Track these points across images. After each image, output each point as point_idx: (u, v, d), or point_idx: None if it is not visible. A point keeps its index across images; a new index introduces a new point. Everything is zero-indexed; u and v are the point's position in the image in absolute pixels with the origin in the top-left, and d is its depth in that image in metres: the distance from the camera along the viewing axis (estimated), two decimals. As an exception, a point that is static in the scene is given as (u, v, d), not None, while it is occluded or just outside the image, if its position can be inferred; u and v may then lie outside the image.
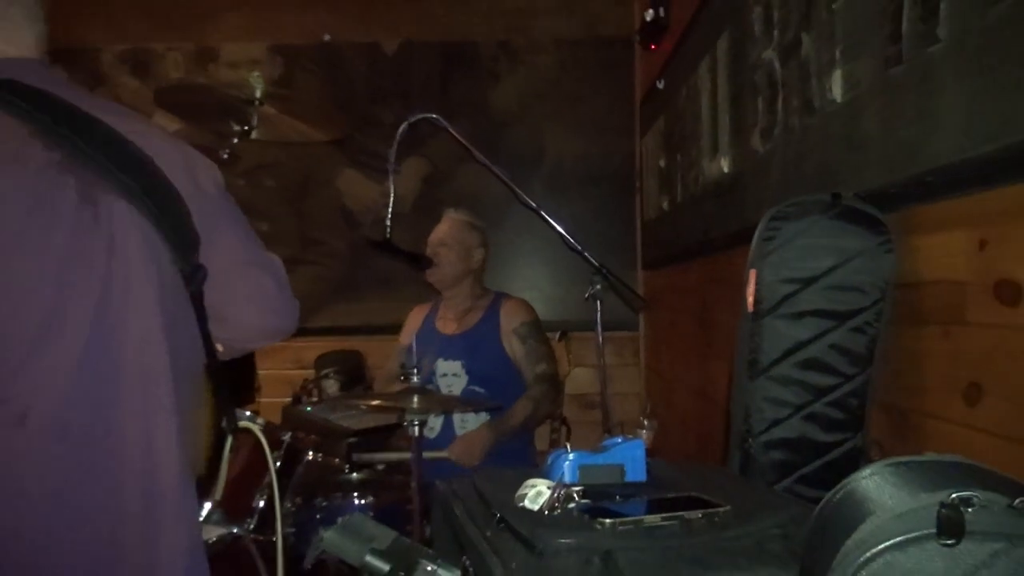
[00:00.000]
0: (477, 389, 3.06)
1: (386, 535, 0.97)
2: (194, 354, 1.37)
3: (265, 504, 2.55)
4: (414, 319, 3.38)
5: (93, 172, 1.24)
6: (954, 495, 0.65)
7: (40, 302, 1.18)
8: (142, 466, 1.23)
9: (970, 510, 0.65)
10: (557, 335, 3.52)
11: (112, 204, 1.24)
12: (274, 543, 2.52)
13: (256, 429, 1.67)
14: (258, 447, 2.44)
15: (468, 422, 3.03)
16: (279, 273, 1.52)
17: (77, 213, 1.21)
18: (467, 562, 1.16)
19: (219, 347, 1.46)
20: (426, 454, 2.45)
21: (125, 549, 1.20)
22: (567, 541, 1.04)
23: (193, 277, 1.34)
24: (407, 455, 2.61)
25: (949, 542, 0.64)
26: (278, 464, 2.71)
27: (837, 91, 1.75)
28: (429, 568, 0.93)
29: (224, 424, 1.45)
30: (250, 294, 1.48)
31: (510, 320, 3.14)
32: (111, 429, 1.21)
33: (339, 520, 1.00)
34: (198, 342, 1.38)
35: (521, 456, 3.00)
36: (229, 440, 1.48)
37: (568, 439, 3.46)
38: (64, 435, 1.17)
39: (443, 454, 2.85)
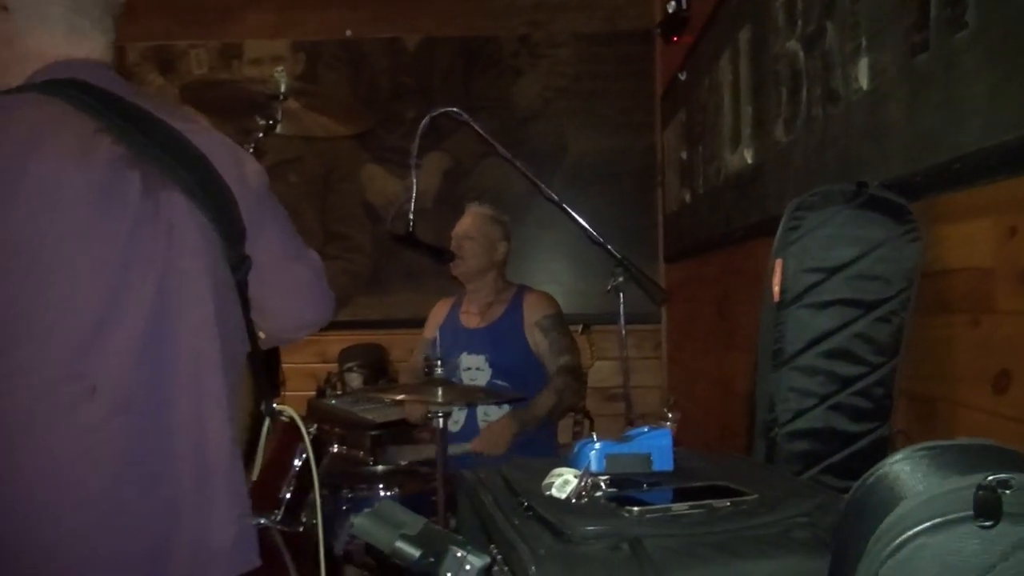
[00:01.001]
0: (500, 382, 3.06)
1: (416, 521, 0.97)
2: (239, 341, 1.43)
3: (292, 495, 2.56)
4: (438, 313, 3.38)
5: (154, 167, 1.31)
6: (991, 477, 0.65)
7: (107, 286, 1.25)
8: (195, 441, 1.30)
9: (1007, 492, 0.64)
10: (579, 328, 3.52)
11: (171, 197, 1.31)
12: (300, 534, 2.54)
13: (293, 413, 1.73)
14: (283, 439, 2.46)
15: (491, 415, 3.03)
16: (317, 267, 1.59)
17: (140, 204, 1.28)
18: (495, 549, 1.17)
19: (261, 335, 1.52)
20: (450, 449, 2.45)
21: (181, 516, 1.28)
22: (595, 528, 1.04)
23: (239, 267, 1.41)
24: (432, 451, 2.62)
25: (986, 524, 0.64)
26: (304, 456, 2.73)
27: (862, 80, 1.74)
28: (459, 554, 0.93)
29: (263, 409, 1.50)
30: (291, 286, 1.55)
31: (533, 313, 3.13)
32: (167, 406, 1.28)
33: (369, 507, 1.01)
34: (242, 330, 1.44)
35: (545, 449, 3.00)
36: (266, 424, 1.53)
37: (591, 432, 3.46)
38: (127, 408, 1.24)
39: (467, 447, 2.85)
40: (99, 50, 1.41)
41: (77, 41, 1.38)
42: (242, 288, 1.43)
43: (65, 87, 1.30)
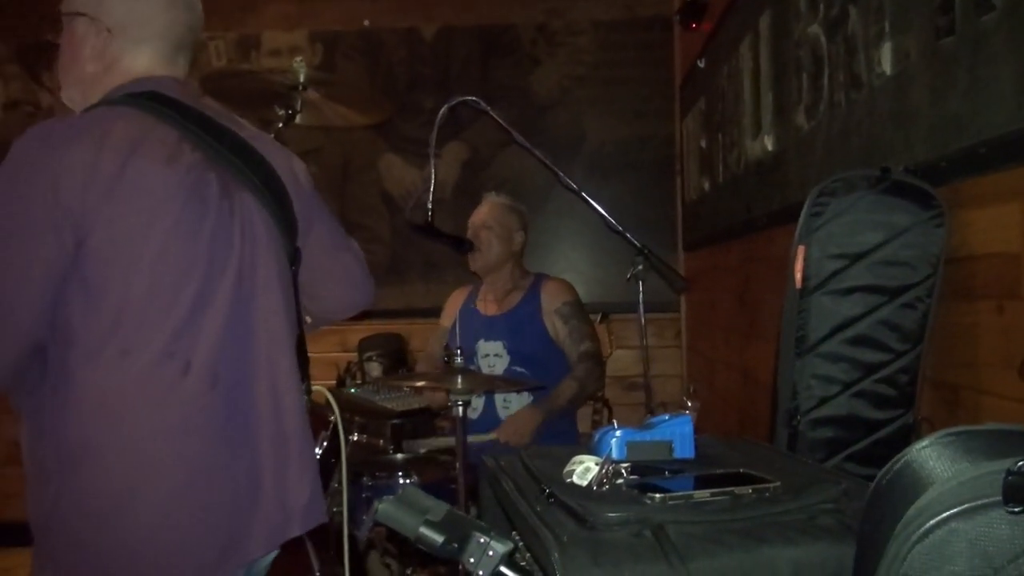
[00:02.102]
0: (519, 369, 3.06)
1: (440, 507, 0.97)
2: (295, 328, 1.59)
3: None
4: (454, 301, 3.38)
5: (227, 170, 1.48)
6: (1020, 463, 0.64)
7: (196, 276, 1.42)
8: (273, 412, 1.48)
9: (1038, 477, 0.63)
10: (598, 317, 3.51)
11: (243, 197, 1.49)
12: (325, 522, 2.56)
13: (327, 393, 1.83)
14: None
15: (511, 403, 3.03)
16: (359, 254, 1.80)
17: (219, 204, 1.45)
18: (517, 536, 1.17)
19: (307, 319, 1.69)
20: (472, 438, 2.45)
21: (263, 478, 1.46)
22: (618, 514, 1.04)
23: (294, 259, 1.60)
24: (451, 441, 2.62)
25: (1016, 510, 0.63)
26: (324, 444, 2.74)
27: (886, 64, 1.72)
28: (482, 540, 0.94)
29: (304, 386, 1.62)
30: (339, 273, 1.76)
31: (552, 300, 3.13)
32: (249, 381, 1.46)
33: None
34: (296, 317, 1.60)
35: (566, 437, 2.99)
36: (305, 399, 1.63)
37: (611, 421, 3.46)
38: (215, 383, 1.42)
39: (492, 436, 2.85)
40: (179, 70, 1.60)
41: (161, 62, 1.56)
42: (295, 275, 1.60)
43: (149, 100, 1.47)
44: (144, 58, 1.54)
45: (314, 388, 1.66)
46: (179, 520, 1.40)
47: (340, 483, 2.65)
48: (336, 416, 1.99)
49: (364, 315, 4.55)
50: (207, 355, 1.41)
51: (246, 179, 1.50)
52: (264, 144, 1.59)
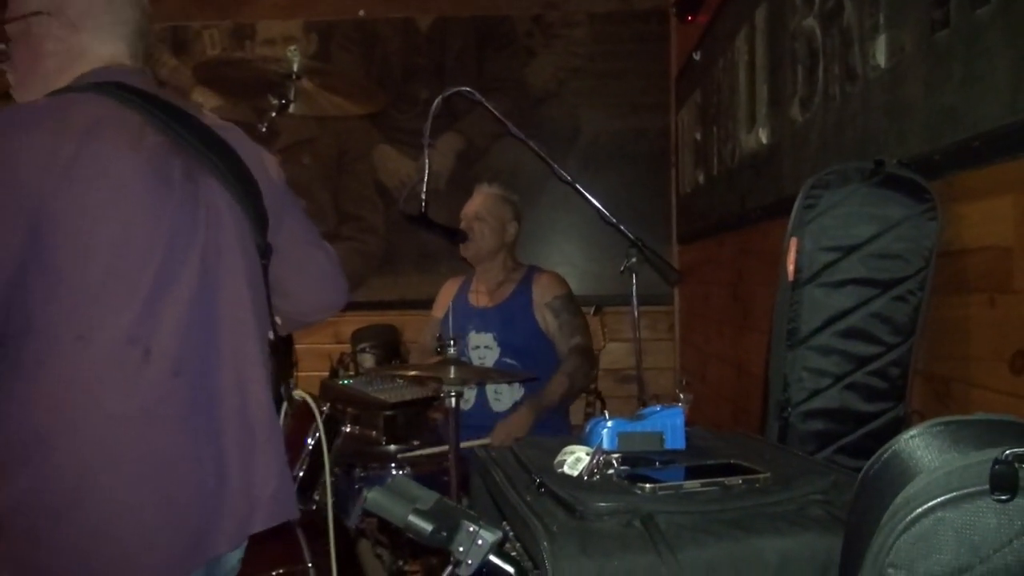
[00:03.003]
0: (509, 361, 3.06)
1: (429, 496, 0.97)
2: (265, 319, 1.56)
3: (305, 474, 2.57)
4: (446, 292, 3.38)
5: (193, 156, 1.46)
6: (1008, 451, 0.64)
7: (157, 260, 1.38)
8: (239, 401, 1.45)
9: (1024, 466, 0.63)
10: (592, 310, 3.51)
11: (208, 181, 1.47)
12: (314, 512, 2.55)
13: (307, 398, 1.79)
14: (297, 420, 2.48)
15: (502, 394, 3.04)
16: (333, 254, 1.77)
17: (183, 188, 1.43)
18: (507, 526, 1.17)
19: (277, 319, 1.63)
20: (466, 444, 2.45)
21: (229, 469, 1.42)
22: (608, 504, 1.04)
23: (265, 252, 1.56)
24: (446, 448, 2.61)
25: (1003, 498, 0.63)
26: (318, 435, 2.74)
27: (881, 57, 1.72)
28: (471, 529, 0.94)
29: (282, 392, 1.59)
30: (310, 270, 1.72)
31: (543, 294, 3.13)
32: (214, 369, 1.43)
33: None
34: (266, 311, 1.57)
35: (559, 430, 2.99)
36: (284, 406, 1.60)
37: (603, 413, 3.46)
38: (179, 370, 1.38)
39: (485, 441, 2.84)
40: (139, 57, 1.58)
41: (124, 51, 1.55)
42: (265, 272, 1.56)
43: (112, 88, 1.45)
44: (107, 47, 1.53)
45: (295, 393, 1.64)
46: (141, 514, 1.35)
47: (332, 474, 2.66)
48: (319, 422, 2.02)
49: (358, 306, 4.56)
50: (169, 342, 1.37)
51: (212, 166, 1.48)
52: (232, 134, 1.56)
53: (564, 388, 2.94)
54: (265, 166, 1.60)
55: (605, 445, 1.29)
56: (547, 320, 3.10)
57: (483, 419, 2.94)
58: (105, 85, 1.45)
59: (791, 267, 1.57)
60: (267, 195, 1.56)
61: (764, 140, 2.58)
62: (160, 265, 1.38)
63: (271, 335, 1.58)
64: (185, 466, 1.38)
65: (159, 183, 1.40)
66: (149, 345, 1.35)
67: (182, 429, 1.38)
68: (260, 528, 1.45)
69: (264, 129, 2.58)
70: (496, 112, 2.53)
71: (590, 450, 1.22)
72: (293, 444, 2.59)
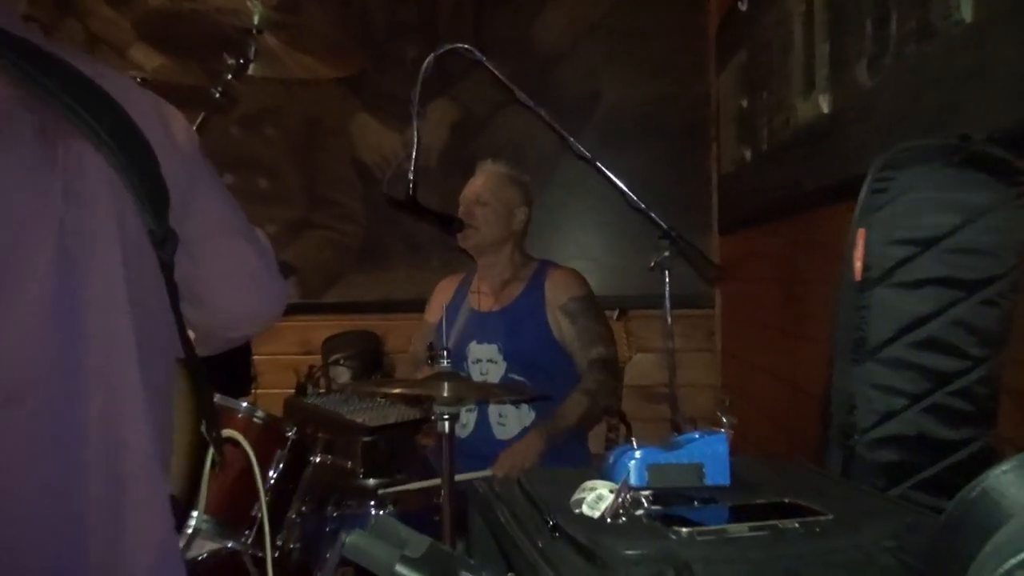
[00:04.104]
0: (517, 377, 3.07)
1: (420, 541, 0.97)
2: (162, 334, 1.41)
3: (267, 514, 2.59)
4: (442, 293, 3.39)
5: (56, 112, 1.30)
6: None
7: None
8: (107, 444, 1.28)
9: None
10: (615, 314, 3.51)
11: (73, 146, 1.31)
12: (276, 560, 2.56)
13: (240, 437, 1.72)
14: (257, 444, 2.48)
15: (507, 417, 3.04)
16: (264, 246, 1.61)
17: (33, 151, 1.28)
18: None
19: (191, 334, 1.49)
20: (462, 476, 2.45)
21: (89, 535, 1.25)
22: (635, 552, 1.04)
23: (164, 242, 1.40)
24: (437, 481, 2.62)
25: (1115, 548, 0.63)
26: (281, 466, 2.75)
27: (965, 10, 1.72)
28: (471, 580, 0.94)
29: (204, 431, 1.48)
30: (229, 269, 1.56)
31: (557, 294, 3.13)
32: (72, 399, 1.26)
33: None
34: (168, 323, 1.42)
35: (576, 458, 2.99)
36: (210, 453, 1.50)
37: (628, 439, 3.46)
38: (22, 400, 1.22)
39: (486, 473, 2.84)
40: None
41: None
42: (167, 270, 1.41)
43: None
44: None
45: (226, 433, 1.54)
46: None
47: (296, 514, 2.67)
48: (254, 466, 1.90)
49: (331, 308, 4.56)
50: (5, 360, 1.22)
51: (84, 126, 1.31)
52: (121, 85, 1.40)
53: (583, 409, 2.94)
54: (169, 129, 1.46)
55: (632, 480, 1.29)
56: (562, 326, 3.10)
57: (484, 448, 2.94)
58: None
59: (858, 264, 1.57)
60: (169, 166, 1.40)
61: (824, 109, 2.58)
62: None
63: (183, 354, 1.46)
64: (23, 531, 1.23)
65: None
66: None
67: (17, 478, 1.23)
68: None
69: (218, 95, 2.59)
70: (500, 75, 2.54)
71: (614, 486, 1.23)
72: (252, 474, 2.60)
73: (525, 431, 2.99)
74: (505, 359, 3.11)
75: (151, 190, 1.37)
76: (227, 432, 1.53)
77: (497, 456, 2.81)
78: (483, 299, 3.25)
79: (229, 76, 2.58)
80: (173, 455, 1.44)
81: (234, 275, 1.57)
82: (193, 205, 1.46)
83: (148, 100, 1.45)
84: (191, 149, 1.49)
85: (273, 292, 1.62)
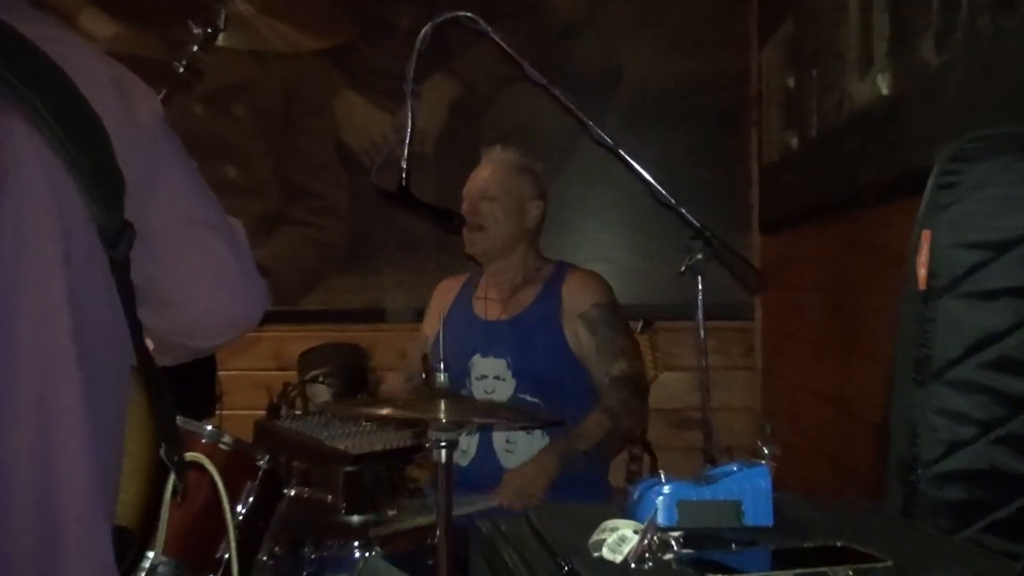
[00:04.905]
0: (528, 398, 3.07)
1: (415, 588, 0.98)
2: (115, 351, 1.39)
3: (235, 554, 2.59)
4: (442, 298, 3.40)
5: None
6: None
7: None
8: (38, 478, 1.25)
9: None
10: (639, 325, 3.51)
11: (2, 124, 1.28)
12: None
13: (205, 461, 1.69)
14: (224, 474, 2.48)
15: (516, 444, 3.03)
16: (239, 241, 1.59)
17: None
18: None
19: (149, 344, 1.47)
20: (461, 509, 2.45)
21: None
22: (664, 602, 1.05)
23: (117, 238, 1.36)
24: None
25: None
26: (251, 499, 2.75)
27: (1048, -23, 1.72)
28: (474, 634, 0.94)
29: (164, 454, 1.44)
30: (198, 267, 1.52)
31: (577, 301, 3.13)
32: (0, 430, 1.23)
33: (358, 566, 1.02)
34: (120, 335, 1.39)
35: (593, 492, 2.98)
36: (171, 479, 1.46)
37: (654, 471, 3.46)
38: None
39: (489, 504, 2.83)
40: None
41: None
42: (121, 270, 1.38)
43: None
44: None
45: (190, 457, 1.52)
46: None
47: (269, 556, 2.67)
48: (222, 496, 1.84)
49: (310, 317, 4.56)
50: None
51: (18, 98, 1.28)
52: (71, 52, 1.37)
53: (603, 430, 2.92)
54: (128, 103, 1.42)
55: (661, 519, 1.29)
56: (581, 338, 3.10)
57: (488, 479, 2.93)
58: None
59: (922, 271, 1.57)
60: (126, 147, 1.37)
61: (883, 90, 2.59)
62: None
63: (137, 364, 1.42)
64: None
65: None
66: None
67: None
68: None
69: (182, 70, 2.60)
70: (507, 47, 2.54)
71: (640, 525, 1.23)
72: (217, 509, 2.60)
73: (537, 457, 2.96)
74: (514, 376, 3.10)
75: (101, 176, 1.34)
76: (191, 455, 1.51)
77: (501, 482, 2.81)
78: (490, 306, 3.25)
79: (195, 47, 2.58)
80: (126, 479, 1.40)
81: (204, 274, 1.53)
82: (155, 192, 1.43)
83: (103, 68, 1.41)
84: (155, 126, 1.46)
85: (250, 295, 1.60)
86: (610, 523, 1.26)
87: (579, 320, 3.11)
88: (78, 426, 1.28)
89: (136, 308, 1.39)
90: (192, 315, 1.55)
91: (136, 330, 1.40)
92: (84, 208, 1.32)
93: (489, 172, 3.24)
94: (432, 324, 3.31)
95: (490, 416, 2.76)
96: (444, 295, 3.41)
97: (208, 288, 1.54)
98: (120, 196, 1.36)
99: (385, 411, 2.73)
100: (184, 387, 1.59)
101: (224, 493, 1.70)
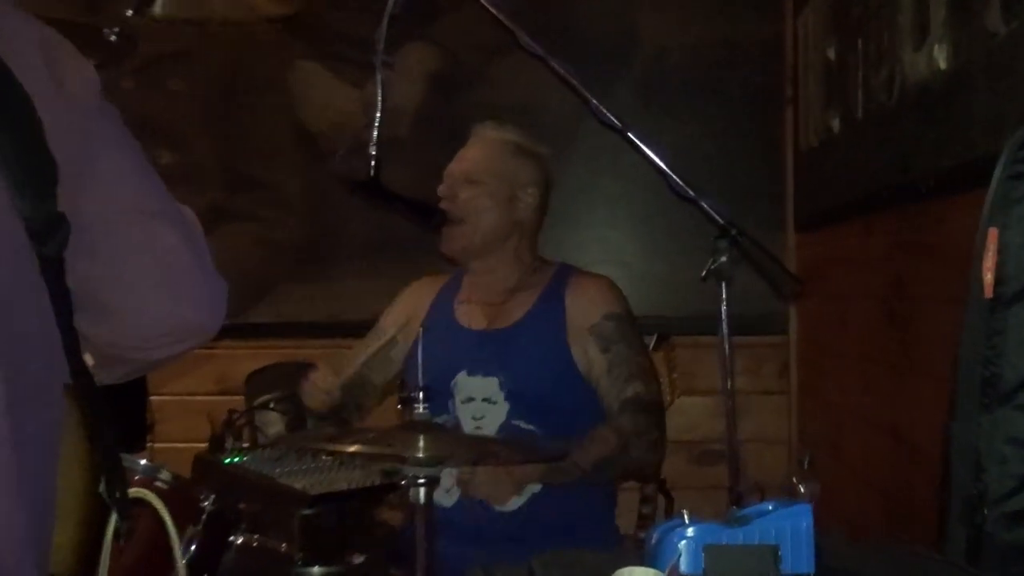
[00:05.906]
0: (523, 425, 3.06)
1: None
2: (46, 367, 1.39)
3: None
4: (416, 300, 3.36)
5: None
6: None
7: None
8: None
9: None
10: (653, 340, 3.52)
11: None
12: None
13: (152, 497, 1.71)
14: (173, 510, 2.50)
15: (510, 479, 3.04)
16: (195, 234, 1.59)
17: None
18: None
19: (88, 358, 1.47)
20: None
21: None
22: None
23: (47, 233, 1.36)
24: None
25: None
26: (193, 547, 2.76)
27: None
28: None
29: (103, 490, 1.45)
30: (146, 265, 1.52)
31: (585, 311, 3.11)
32: None
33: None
34: (52, 344, 1.39)
35: (597, 535, 2.97)
36: (112, 518, 1.47)
37: (670, 513, 3.48)
38: None
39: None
40: None
41: None
42: (54, 271, 1.39)
43: None
44: None
45: (133, 492, 1.53)
46: None
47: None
48: (173, 539, 1.87)
49: (259, 332, 4.56)
50: None
51: None
52: None
53: (608, 450, 2.91)
54: (61, 75, 1.43)
55: (684, 567, 1.31)
56: (589, 355, 3.08)
57: (475, 521, 2.95)
58: None
59: (988, 275, 1.59)
60: (58, 127, 1.37)
61: (942, 64, 2.60)
62: None
63: (74, 380, 1.43)
64: None
65: None
66: None
67: None
68: None
69: (113, 37, 2.61)
70: (495, 11, 2.55)
71: (660, 574, 1.25)
72: (158, 554, 2.62)
73: (535, 497, 2.98)
74: (507, 398, 3.07)
75: (28, 162, 1.34)
76: (135, 491, 1.52)
77: (493, 534, 2.82)
78: (475, 312, 3.23)
79: (129, 12, 2.60)
80: (60, 520, 1.41)
81: (153, 273, 1.52)
82: (92, 177, 1.44)
83: (30, 34, 1.42)
84: (93, 101, 1.47)
85: (208, 297, 1.60)
86: (625, 571, 1.27)
87: (588, 334, 3.08)
88: (2, 459, 1.28)
89: (72, 316, 1.39)
90: (139, 323, 1.54)
91: (72, 342, 1.40)
92: (7, 198, 1.32)
93: (476, 151, 3.23)
94: (396, 319, 3.29)
95: (477, 451, 2.75)
96: (419, 297, 3.36)
97: (158, 289, 1.53)
98: (52, 183, 1.36)
99: (352, 448, 2.73)
100: (118, 417, 1.59)
101: (175, 535, 1.72)
